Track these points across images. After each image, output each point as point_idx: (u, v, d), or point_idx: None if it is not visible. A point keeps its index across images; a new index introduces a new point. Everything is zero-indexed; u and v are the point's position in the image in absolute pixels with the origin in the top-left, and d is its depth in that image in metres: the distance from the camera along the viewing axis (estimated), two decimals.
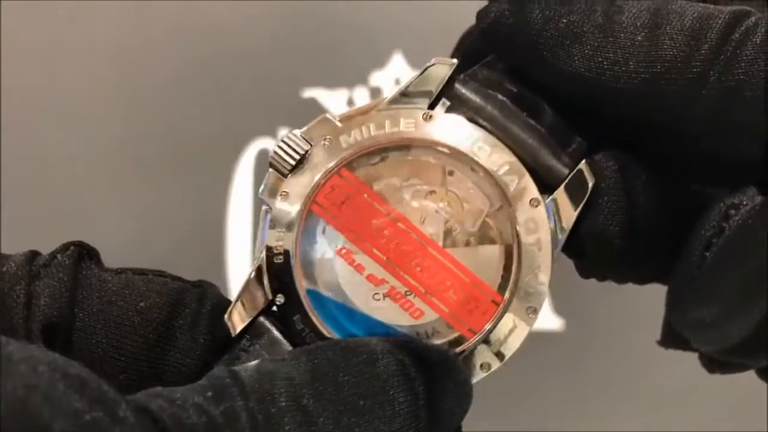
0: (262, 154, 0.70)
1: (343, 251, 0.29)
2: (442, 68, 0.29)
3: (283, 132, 0.69)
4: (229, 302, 0.30)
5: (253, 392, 0.25)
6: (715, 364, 0.32)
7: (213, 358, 0.30)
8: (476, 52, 0.32)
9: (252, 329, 0.29)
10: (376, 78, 0.70)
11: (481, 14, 0.30)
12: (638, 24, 0.28)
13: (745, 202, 0.28)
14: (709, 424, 0.67)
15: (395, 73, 0.70)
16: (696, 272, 0.28)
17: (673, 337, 0.32)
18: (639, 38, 0.28)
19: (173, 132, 0.70)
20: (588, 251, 0.30)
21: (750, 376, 0.34)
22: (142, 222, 0.70)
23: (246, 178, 0.70)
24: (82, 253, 0.30)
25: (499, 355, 0.29)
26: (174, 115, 0.70)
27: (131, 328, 0.29)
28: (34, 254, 0.29)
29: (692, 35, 0.27)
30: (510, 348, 0.29)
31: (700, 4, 0.29)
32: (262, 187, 0.29)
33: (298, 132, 0.29)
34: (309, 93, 0.70)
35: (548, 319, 0.68)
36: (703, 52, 0.27)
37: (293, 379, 0.25)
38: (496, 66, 0.30)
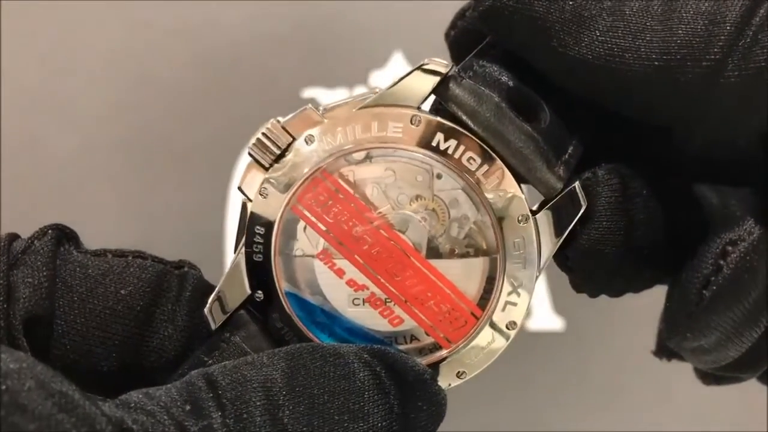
0: None
1: (324, 254, 0.28)
2: (437, 68, 0.28)
3: None
4: (210, 285, 0.30)
5: (230, 403, 0.24)
6: (710, 377, 0.33)
7: (194, 342, 0.29)
8: (470, 34, 0.30)
9: (232, 321, 0.29)
10: (376, 78, 0.70)
11: None
12: (651, 7, 0.26)
13: (743, 237, 0.27)
14: (709, 424, 0.67)
15: (395, 73, 0.70)
16: (694, 309, 0.28)
17: (668, 350, 0.32)
18: (652, 22, 0.26)
19: (173, 132, 0.70)
20: (582, 269, 0.29)
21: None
22: (142, 222, 0.70)
23: None
24: (61, 237, 0.29)
25: (476, 366, 0.29)
26: (174, 115, 0.70)
27: (113, 317, 0.28)
28: (11, 238, 0.28)
29: (710, 19, 0.26)
30: (486, 359, 0.28)
31: None
32: (240, 178, 0.28)
33: (279, 122, 0.28)
34: (309, 93, 0.70)
35: (548, 319, 0.68)
36: (721, 37, 0.26)
37: (270, 390, 0.25)
38: (493, 52, 0.29)
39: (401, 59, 0.70)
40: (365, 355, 0.26)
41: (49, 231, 0.29)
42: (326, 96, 0.70)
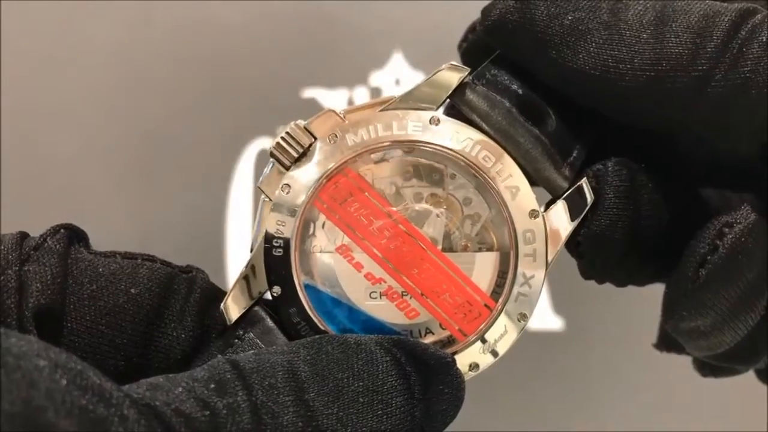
0: (262, 154, 0.70)
1: (343, 248, 0.29)
2: (454, 74, 0.29)
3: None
4: (218, 289, 0.30)
5: (256, 384, 0.25)
6: (707, 368, 0.34)
7: (201, 344, 0.30)
8: (481, 47, 0.32)
9: (247, 318, 0.29)
10: (376, 78, 0.70)
11: (486, 11, 0.30)
12: (644, 21, 0.28)
13: (739, 220, 0.29)
14: (709, 424, 0.67)
15: (395, 73, 0.70)
16: (691, 287, 0.29)
17: (668, 342, 0.33)
18: (644, 36, 0.28)
19: (173, 132, 0.70)
20: (590, 254, 0.30)
21: (750, 377, 0.34)
22: (142, 222, 0.70)
23: (246, 178, 0.70)
24: (72, 237, 0.29)
25: (488, 357, 0.29)
26: (174, 115, 0.70)
27: (122, 315, 0.29)
28: (23, 236, 0.29)
29: (698, 33, 0.28)
30: (499, 351, 0.29)
31: (707, 1, 0.28)
32: (262, 177, 0.29)
33: (301, 124, 0.29)
34: (309, 93, 0.70)
35: (548, 319, 0.68)
36: (709, 50, 0.27)
37: (295, 373, 0.25)
38: (504, 63, 0.30)
39: (401, 59, 0.70)
40: (385, 343, 0.27)
41: (62, 230, 0.29)
42: (326, 96, 0.70)
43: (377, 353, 0.26)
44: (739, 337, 0.29)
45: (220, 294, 0.30)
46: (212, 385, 0.24)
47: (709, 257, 0.29)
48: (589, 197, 0.29)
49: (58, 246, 0.29)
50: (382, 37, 0.70)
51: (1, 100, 0.68)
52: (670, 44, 0.28)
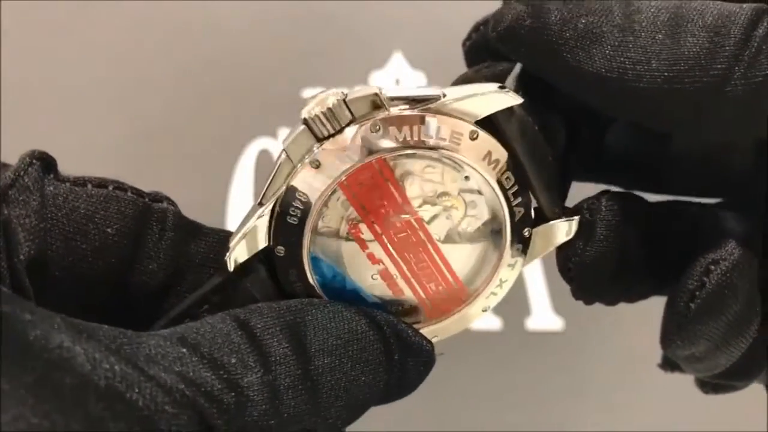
0: (262, 154, 0.70)
1: (353, 226, 0.30)
2: (506, 99, 0.29)
3: (283, 132, 0.69)
4: (189, 221, 0.31)
5: (272, 359, 0.25)
6: (708, 386, 0.36)
7: (174, 280, 0.30)
8: (483, 46, 0.33)
9: (243, 267, 0.30)
10: (376, 78, 0.70)
11: (498, 17, 0.30)
12: (658, 22, 0.28)
13: (724, 257, 0.30)
14: (709, 424, 0.67)
15: (395, 73, 0.70)
16: (683, 321, 0.31)
17: (672, 362, 0.36)
18: (660, 36, 0.27)
19: (173, 132, 0.70)
20: (580, 281, 0.32)
21: None
22: None
23: (246, 178, 0.70)
24: (43, 168, 0.29)
25: (444, 333, 0.32)
26: (174, 115, 0.70)
27: (100, 255, 0.28)
28: None
29: (715, 32, 0.27)
30: (455, 329, 0.32)
31: (719, 1, 0.28)
32: (289, 138, 0.28)
33: (343, 97, 0.28)
34: (309, 93, 0.70)
35: (548, 319, 0.68)
36: (727, 48, 0.27)
37: (301, 342, 0.26)
38: (528, 75, 0.31)
39: (401, 59, 0.70)
40: (377, 318, 0.28)
41: (34, 161, 0.28)
42: None
43: (369, 327, 0.28)
44: (733, 359, 0.31)
45: (191, 227, 0.30)
46: (233, 360, 0.24)
47: (697, 293, 0.30)
48: (572, 232, 0.31)
49: (35, 185, 0.28)
50: (382, 37, 0.70)
51: (1, 100, 0.68)
52: (688, 44, 0.27)
